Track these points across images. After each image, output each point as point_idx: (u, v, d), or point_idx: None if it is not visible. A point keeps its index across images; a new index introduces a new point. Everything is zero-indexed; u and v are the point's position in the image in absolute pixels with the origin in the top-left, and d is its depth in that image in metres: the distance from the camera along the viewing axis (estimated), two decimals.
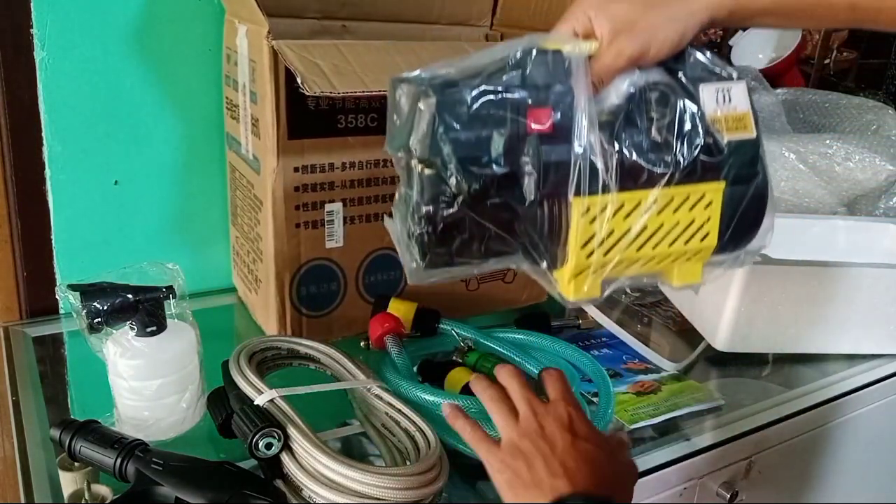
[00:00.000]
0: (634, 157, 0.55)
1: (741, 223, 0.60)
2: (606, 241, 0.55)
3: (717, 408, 0.76)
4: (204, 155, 0.92)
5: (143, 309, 0.63)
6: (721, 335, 0.84)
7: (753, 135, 0.58)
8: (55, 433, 0.57)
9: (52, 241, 0.87)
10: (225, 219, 0.96)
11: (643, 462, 0.67)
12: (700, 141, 0.56)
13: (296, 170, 0.77)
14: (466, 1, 0.91)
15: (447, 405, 0.61)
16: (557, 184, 0.53)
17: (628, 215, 0.55)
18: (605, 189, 0.54)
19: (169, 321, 0.65)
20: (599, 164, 0.53)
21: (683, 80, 0.57)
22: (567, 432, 0.53)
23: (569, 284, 0.57)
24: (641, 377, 0.81)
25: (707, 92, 0.57)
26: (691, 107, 0.56)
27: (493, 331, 0.80)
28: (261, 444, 0.55)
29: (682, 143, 0.56)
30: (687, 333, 0.92)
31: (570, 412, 0.55)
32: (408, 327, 0.78)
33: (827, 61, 1.62)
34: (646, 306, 1.01)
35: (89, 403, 0.71)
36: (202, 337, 0.67)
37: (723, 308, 0.83)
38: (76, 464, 0.57)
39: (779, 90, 1.18)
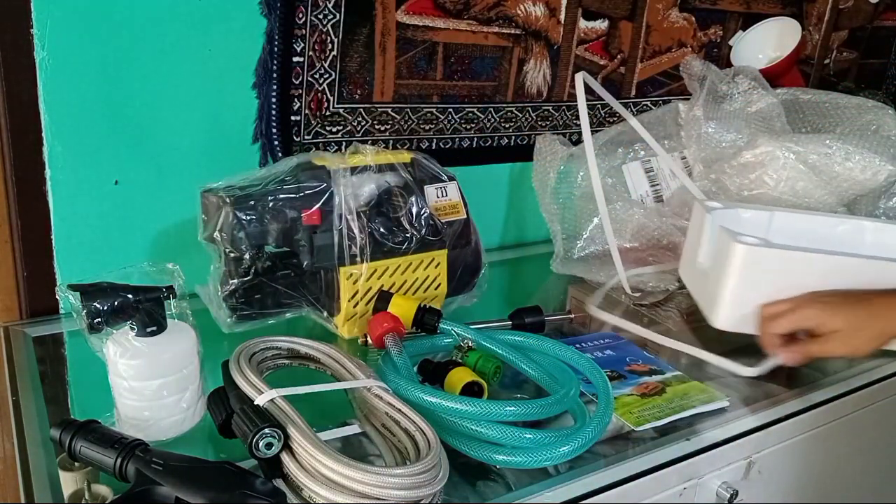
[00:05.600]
0: (381, 236, 0.77)
1: (463, 274, 0.85)
2: (366, 295, 0.79)
3: (722, 409, 0.76)
4: (204, 155, 0.92)
5: (143, 309, 0.63)
6: (720, 314, 0.84)
7: (464, 216, 0.83)
8: (55, 433, 0.57)
9: (52, 241, 0.87)
10: None
11: (643, 462, 0.67)
12: (424, 223, 0.79)
13: None
14: None
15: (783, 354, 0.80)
16: (327, 258, 0.76)
17: (380, 277, 0.79)
18: (362, 259, 0.76)
19: (169, 321, 0.65)
20: (357, 243, 0.76)
21: (414, 180, 0.80)
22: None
23: (343, 327, 0.81)
24: (646, 379, 0.80)
25: (429, 190, 0.81)
26: (419, 201, 0.80)
27: (493, 332, 0.80)
28: (261, 444, 0.55)
29: (413, 226, 0.79)
30: (685, 333, 0.92)
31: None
32: (409, 325, 0.78)
33: (827, 61, 1.62)
34: (646, 306, 1.01)
35: (89, 403, 0.71)
36: (202, 337, 0.67)
37: (722, 287, 0.83)
38: (76, 464, 0.57)
39: (779, 90, 1.17)
